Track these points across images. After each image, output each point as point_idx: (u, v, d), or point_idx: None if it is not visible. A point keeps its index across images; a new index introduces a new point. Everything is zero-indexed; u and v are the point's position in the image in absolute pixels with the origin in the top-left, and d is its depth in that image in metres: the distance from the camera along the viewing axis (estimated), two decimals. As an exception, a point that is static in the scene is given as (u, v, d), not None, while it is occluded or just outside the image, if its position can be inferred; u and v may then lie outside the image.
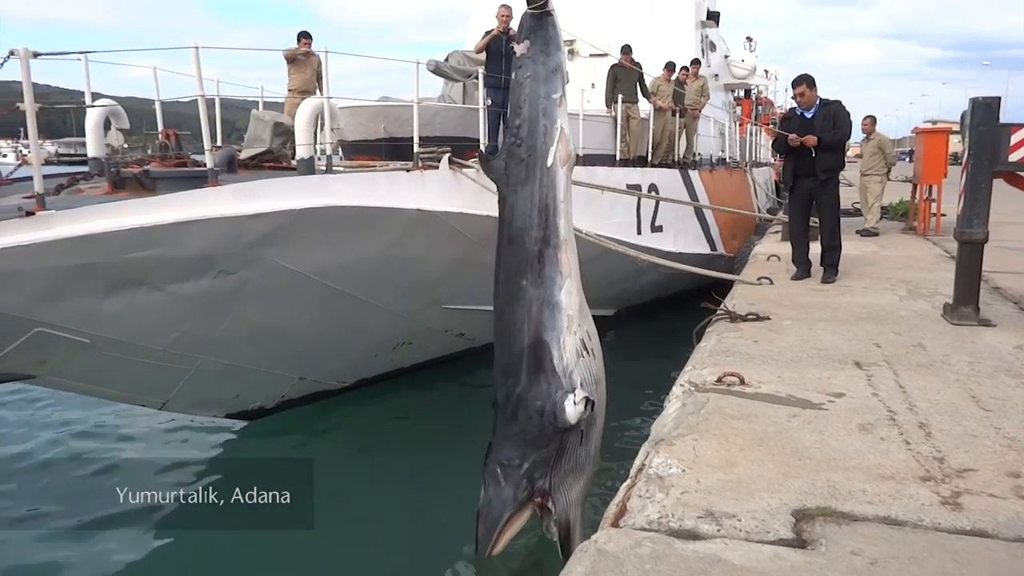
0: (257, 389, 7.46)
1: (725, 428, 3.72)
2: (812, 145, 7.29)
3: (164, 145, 7.88)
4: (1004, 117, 5.69)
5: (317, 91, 8.71)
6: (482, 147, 7.70)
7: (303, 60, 9.21)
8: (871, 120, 12.29)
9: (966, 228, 5.76)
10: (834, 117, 7.36)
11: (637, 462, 3.51)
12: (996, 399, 4.09)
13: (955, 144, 14.82)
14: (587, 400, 4.18)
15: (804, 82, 7.46)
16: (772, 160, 22.43)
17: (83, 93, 7.02)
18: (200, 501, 6.48)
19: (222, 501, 6.48)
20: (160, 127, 8.33)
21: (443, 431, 7.55)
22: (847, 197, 11.78)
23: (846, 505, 2.91)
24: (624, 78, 11.81)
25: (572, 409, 4.13)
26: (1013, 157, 5.60)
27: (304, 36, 9.38)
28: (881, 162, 11.94)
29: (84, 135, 7.19)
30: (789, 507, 2.89)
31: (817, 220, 7.97)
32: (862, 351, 5.10)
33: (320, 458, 7.08)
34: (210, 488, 6.77)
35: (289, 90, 9.22)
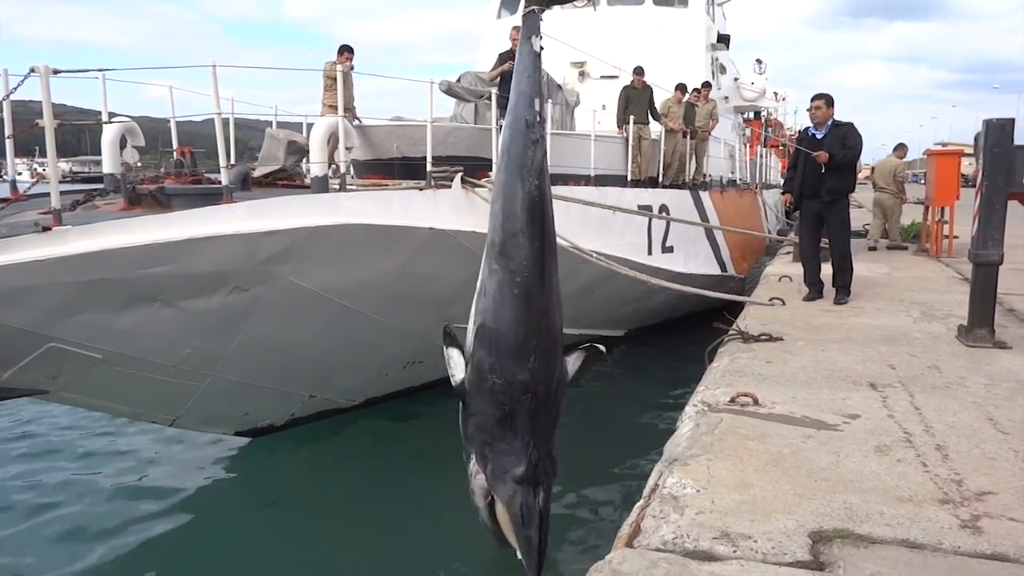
0: (267, 406, 7.46)
1: (739, 449, 3.69)
2: (823, 161, 7.28)
3: (179, 162, 7.95)
4: (1017, 139, 5.67)
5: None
6: (494, 167, 7.74)
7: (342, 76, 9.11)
8: (904, 148, 13.47)
9: (981, 250, 5.73)
10: (844, 138, 7.35)
11: (651, 482, 3.48)
12: (1014, 422, 4.04)
13: (966, 166, 14.85)
14: None
15: (822, 98, 7.49)
16: (781, 193, 22.52)
17: (98, 112, 7.11)
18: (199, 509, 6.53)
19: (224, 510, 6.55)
20: (175, 144, 8.41)
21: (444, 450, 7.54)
22: (857, 219, 11.81)
23: (864, 527, 2.87)
24: (636, 99, 11.88)
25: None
26: (1028, 179, 5.59)
27: (346, 50, 9.00)
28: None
29: (98, 153, 7.26)
30: (806, 529, 2.86)
31: (827, 241, 7.94)
32: (877, 372, 5.06)
33: (326, 472, 7.13)
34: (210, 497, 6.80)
35: (329, 106, 8.70)
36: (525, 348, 3.81)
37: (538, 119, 4.09)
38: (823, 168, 7.33)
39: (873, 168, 13.44)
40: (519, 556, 3.84)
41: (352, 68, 8.69)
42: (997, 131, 5.63)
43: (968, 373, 5.02)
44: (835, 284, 7.72)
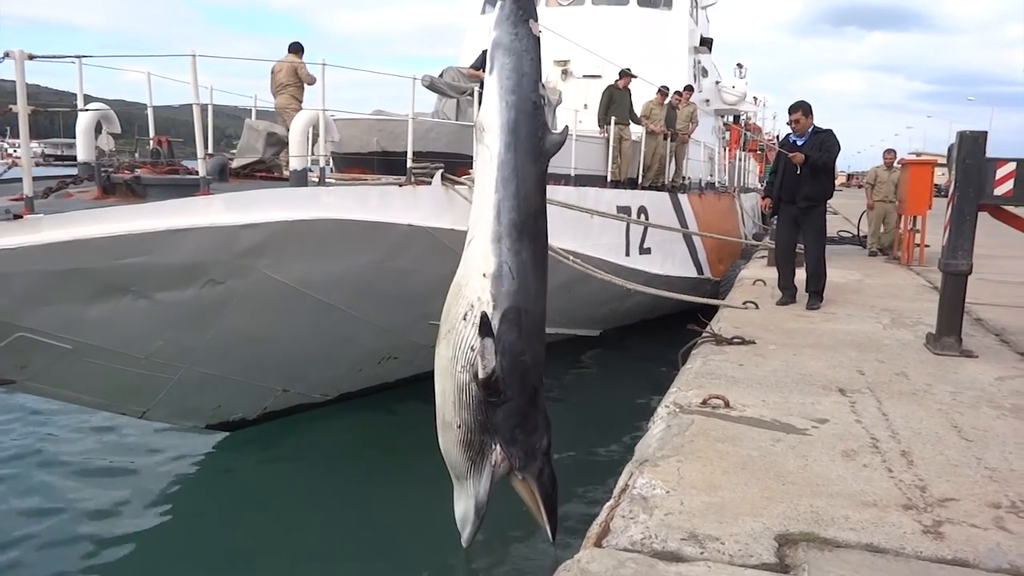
0: (240, 400, 7.40)
1: (709, 451, 3.73)
2: (799, 162, 7.39)
3: (155, 151, 7.85)
4: (989, 151, 5.77)
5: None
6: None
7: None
8: (893, 153, 13.59)
9: (951, 260, 5.83)
10: (821, 144, 7.46)
11: (621, 482, 3.51)
12: (977, 429, 4.13)
13: (939, 176, 15.14)
14: None
15: (800, 109, 7.56)
16: (759, 187, 22.70)
17: (74, 94, 7.00)
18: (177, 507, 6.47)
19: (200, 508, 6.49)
20: (152, 133, 8.30)
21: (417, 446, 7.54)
22: (834, 225, 11.97)
23: (829, 531, 2.92)
24: (619, 100, 11.92)
25: None
26: (998, 191, 5.69)
27: (300, 49, 9.37)
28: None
29: (72, 136, 7.16)
30: (772, 531, 2.90)
31: (803, 246, 8.05)
32: (846, 378, 5.14)
33: (298, 467, 7.09)
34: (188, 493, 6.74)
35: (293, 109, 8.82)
36: (544, 325, 3.90)
37: (543, 102, 4.15)
38: (799, 170, 7.43)
39: (872, 183, 13.61)
40: (543, 525, 4.06)
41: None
42: (970, 143, 5.73)
43: (935, 381, 5.11)
44: (808, 289, 7.83)
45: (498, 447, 3.92)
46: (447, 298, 4.04)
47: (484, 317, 3.87)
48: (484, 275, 3.88)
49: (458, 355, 3.83)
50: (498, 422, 3.86)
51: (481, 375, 3.81)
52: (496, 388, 3.84)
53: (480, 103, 8.14)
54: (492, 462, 3.92)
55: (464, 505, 4.09)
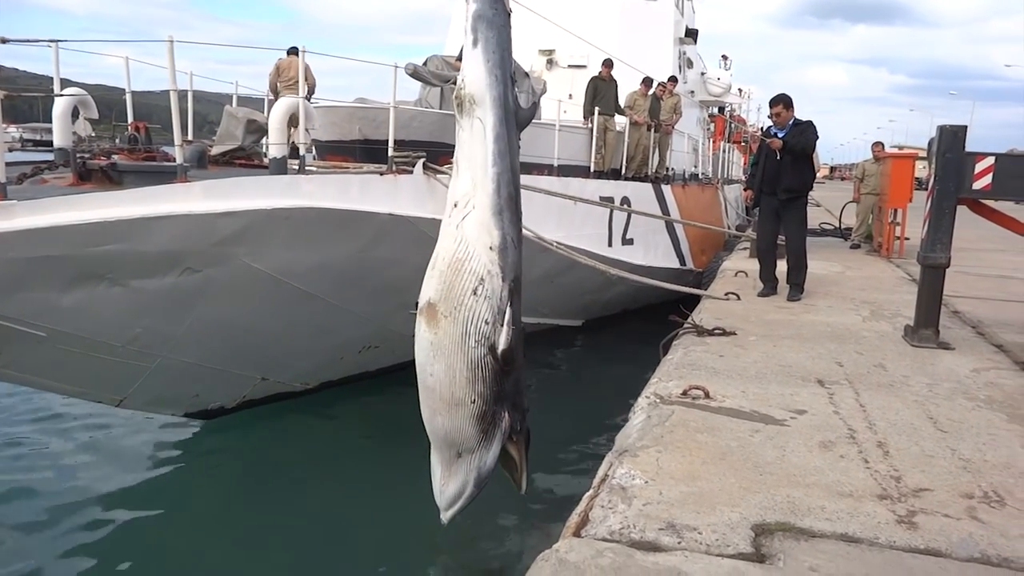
0: (218, 388, 7.35)
1: (689, 441, 3.74)
2: (777, 148, 7.43)
3: (133, 137, 7.74)
4: (969, 146, 5.81)
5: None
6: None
7: None
8: (881, 145, 13.67)
9: (929, 252, 5.88)
10: (800, 134, 7.49)
11: (600, 472, 3.51)
12: (953, 421, 4.17)
13: (920, 170, 15.24)
14: None
15: (781, 102, 7.58)
16: (743, 189, 22.82)
17: (51, 79, 6.88)
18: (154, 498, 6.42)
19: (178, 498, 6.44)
20: (130, 119, 8.19)
21: (397, 435, 7.52)
22: (816, 217, 12.04)
23: (805, 521, 2.93)
24: (604, 91, 11.90)
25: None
26: (977, 185, 5.73)
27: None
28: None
29: (51, 120, 7.04)
30: (749, 521, 2.91)
31: (784, 238, 8.08)
32: (825, 369, 5.17)
33: (278, 456, 7.06)
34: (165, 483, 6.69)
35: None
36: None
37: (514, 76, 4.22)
38: (779, 155, 7.46)
39: (860, 176, 13.70)
40: (520, 480, 4.14)
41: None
42: (950, 137, 5.76)
43: (912, 372, 5.16)
44: (789, 281, 7.87)
45: (507, 414, 3.98)
46: (442, 277, 3.90)
47: (513, 288, 3.91)
48: (491, 248, 3.87)
49: (470, 331, 3.79)
50: (508, 391, 3.93)
51: (503, 347, 3.84)
52: (512, 358, 3.90)
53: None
54: (503, 429, 3.98)
55: (462, 479, 4.07)
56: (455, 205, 4.01)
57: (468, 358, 3.81)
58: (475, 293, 3.81)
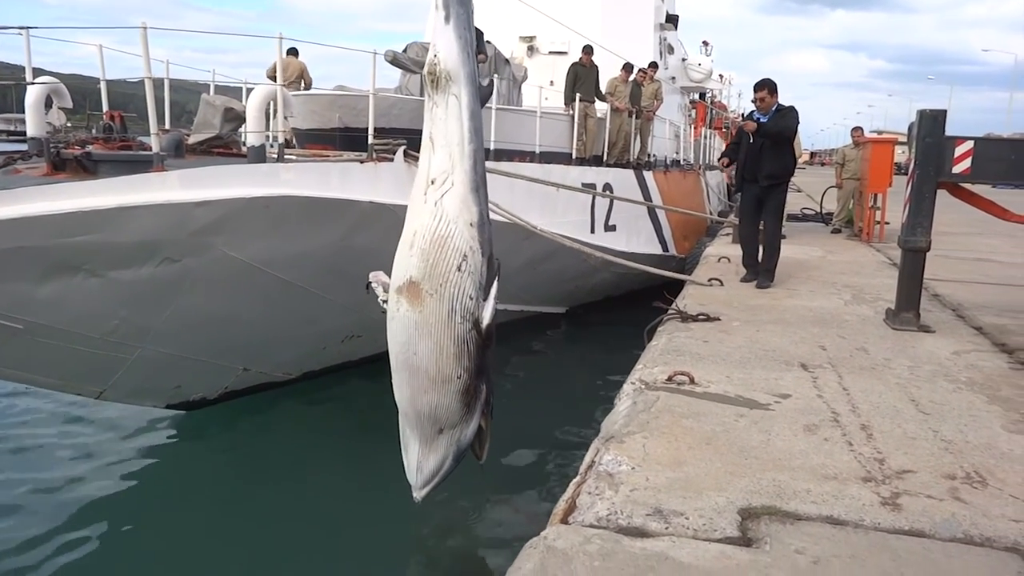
0: (200, 379, 7.27)
1: (675, 426, 3.74)
2: (751, 131, 7.46)
3: (108, 127, 7.60)
4: (948, 130, 5.84)
5: None
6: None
7: None
8: (860, 131, 13.80)
9: (910, 236, 5.92)
10: (781, 119, 7.49)
11: (587, 459, 3.51)
12: (934, 403, 4.20)
13: (899, 154, 15.38)
14: None
15: (765, 87, 7.55)
16: (720, 164, 22.90)
17: (24, 68, 6.73)
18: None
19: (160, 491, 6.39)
20: (105, 108, 8.04)
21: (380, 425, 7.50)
22: (797, 203, 12.11)
23: (790, 504, 2.95)
24: (584, 77, 11.86)
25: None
26: (957, 169, 5.76)
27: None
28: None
29: (24, 111, 6.90)
30: (735, 506, 2.92)
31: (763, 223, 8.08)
32: (808, 353, 5.20)
33: (260, 446, 7.01)
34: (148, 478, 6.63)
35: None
36: None
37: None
38: (752, 139, 7.47)
39: (841, 162, 13.78)
40: (482, 450, 4.15)
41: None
42: (930, 121, 5.79)
43: (894, 355, 5.20)
44: (760, 267, 7.84)
45: (484, 387, 4.03)
46: (424, 255, 3.84)
47: (497, 264, 3.97)
48: (471, 224, 3.87)
49: (456, 307, 3.80)
50: (487, 364, 3.98)
51: (487, 321, 3.88)
52: (493, 331, 3.95)
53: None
54: (482, 402, 4.02)
55: (442, 455, 4.06)
56: (432, 182, 3.96)
57: (455, 334, 3.81)
58: (459, 269, 3.82)
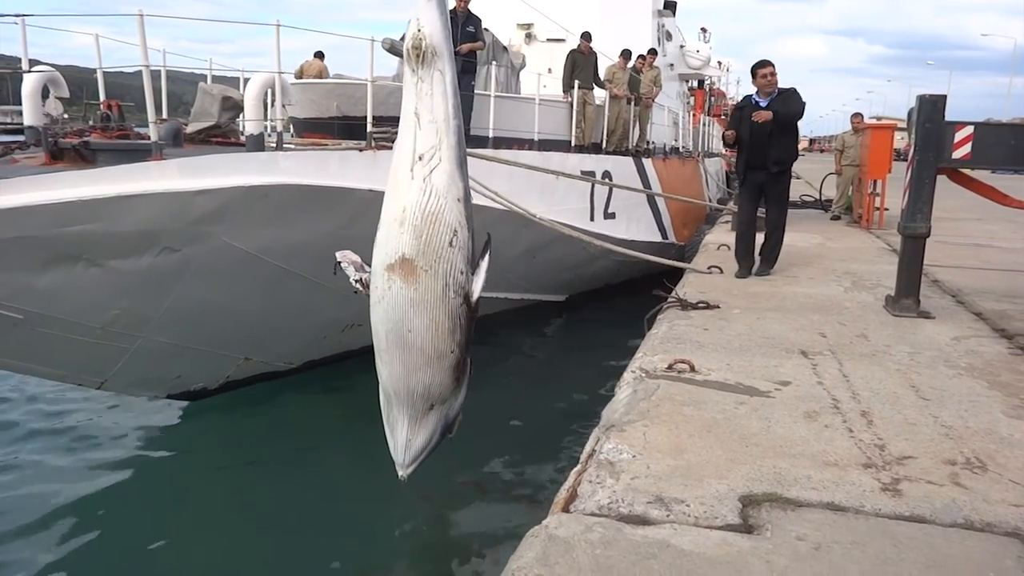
0: (201, 369, 7.28)
1: (675, 414, 3.75)
2: (766, 120, 7.08)
3: (105, 116, 7.57)
4: (947, 115, 5.81)
5: None
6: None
7: None
8: (860, 117, 13.74)
9: (910, 223, 5.90)
10: (785, 102, 7.21)
11: (588, 447, 3.52)
12: (934, 389, 4.21)
13: (899, 140, 15.34)
14: None
15: (771, 64, 7.30)
16: (724, 152, 22.80)
17: (19, 59, 6.70)
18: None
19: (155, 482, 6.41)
20: (102, 97, 8.01)
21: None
22: (796, 190, 12.08)
23: (791, 491, 2.96)
24: (583, 64, 11.80)
25: None
26: (957, 154, 5.74)
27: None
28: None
29: (20, 102, 6.87)
30: (736, 493, 2.93)
31: (763, 212, 7.91)
32: (808, 340, 5.20)
33: (261, 436, 7.03)
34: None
35: None
36: None
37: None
38: (769, 131, 7.13)
39: (840, 148, 13.73)
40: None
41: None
42: (929, 107, 5.76)
43: (894, 342, 5.20)
44: (762, 254, 7.67)
45: (469, 359, 4.06)
46: (417, 231, 3.83)
47: (488, 237, 3.99)
48: (458, 200, 3.89)
49: (449, 282, 3.82)
50: (471, 337, 3.99)
51: (477, 295, 3.91)
52: (479, 304, 3.97)
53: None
54: (468, 375, 4.06)
55: (430, 430, 4.08)
56: (420, 158, 3.95)
57: (449, 309, 3.82)
58: (451, 245, 3.83)
